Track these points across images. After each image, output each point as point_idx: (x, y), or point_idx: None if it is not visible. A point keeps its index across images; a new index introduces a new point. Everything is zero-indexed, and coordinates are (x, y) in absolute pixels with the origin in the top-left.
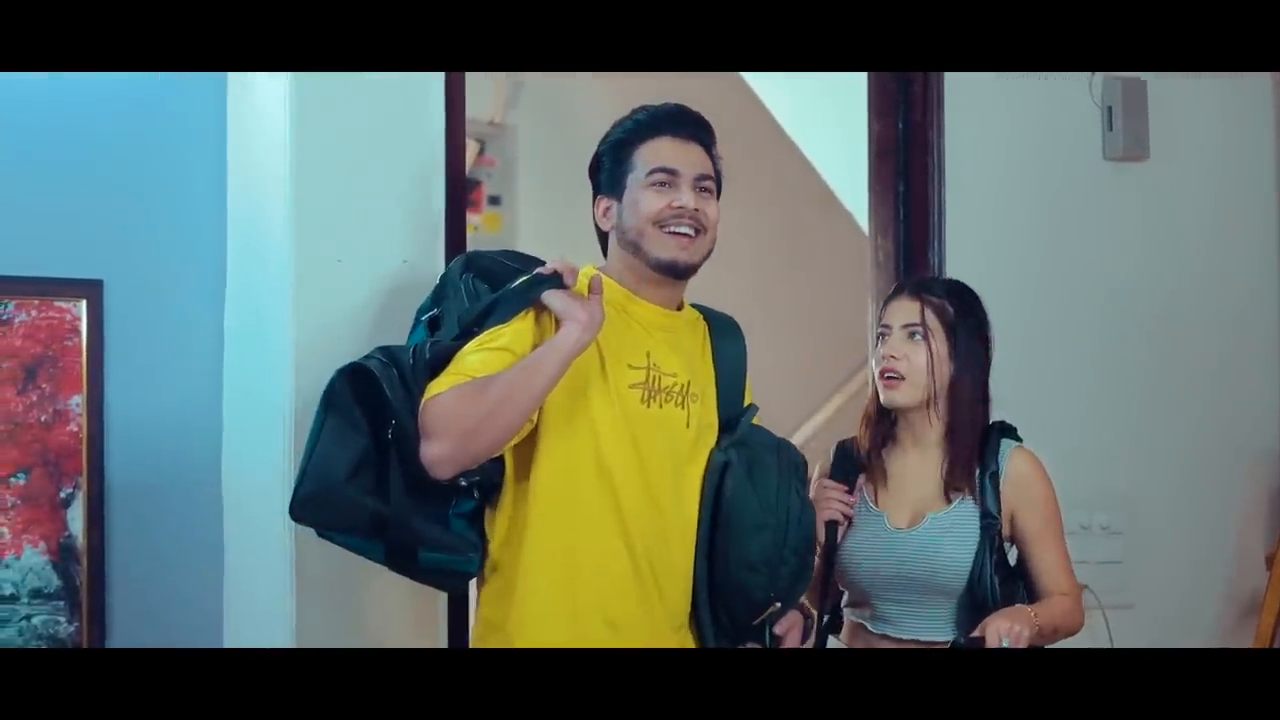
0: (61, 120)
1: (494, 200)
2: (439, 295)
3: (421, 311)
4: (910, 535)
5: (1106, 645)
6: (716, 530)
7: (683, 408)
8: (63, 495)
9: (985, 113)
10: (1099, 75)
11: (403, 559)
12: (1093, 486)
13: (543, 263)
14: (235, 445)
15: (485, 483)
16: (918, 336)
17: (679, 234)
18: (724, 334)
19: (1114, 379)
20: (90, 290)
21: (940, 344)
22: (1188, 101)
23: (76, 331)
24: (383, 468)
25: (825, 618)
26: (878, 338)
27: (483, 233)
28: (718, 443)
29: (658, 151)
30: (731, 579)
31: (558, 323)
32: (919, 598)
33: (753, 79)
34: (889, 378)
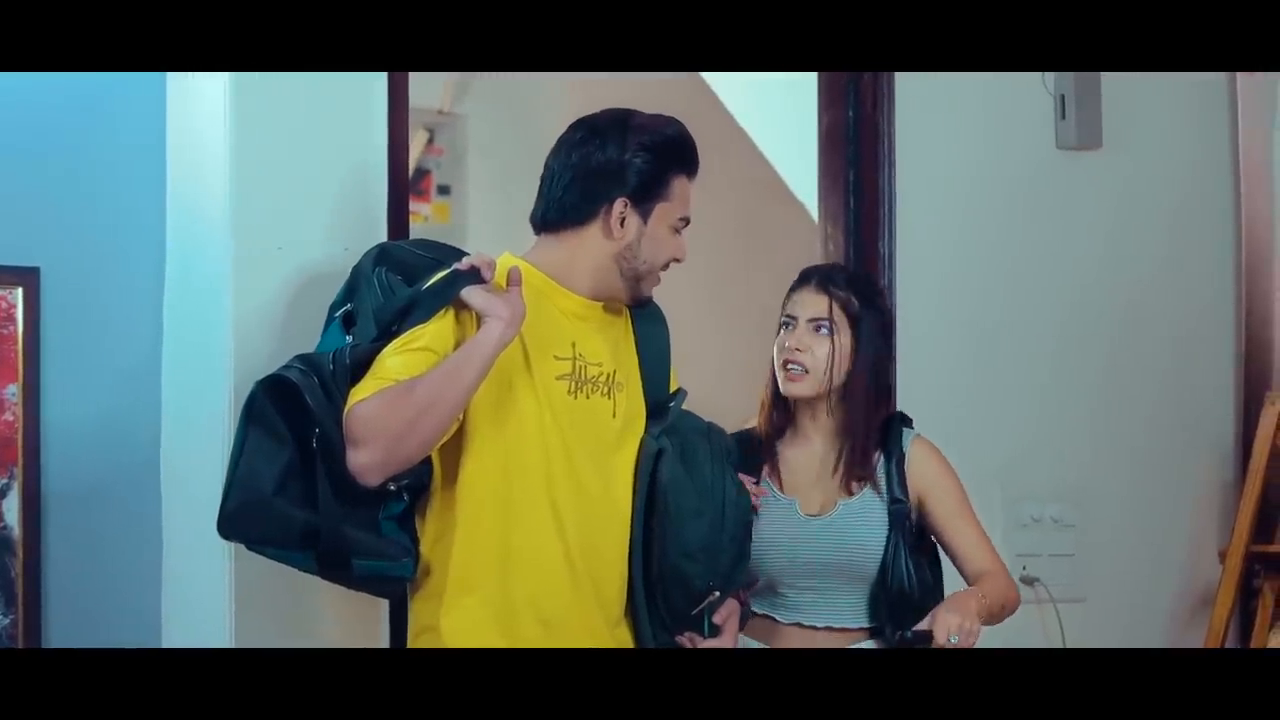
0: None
1: (443, 190)
2: (351, 289)
3: (334, 307)
4: (824, 521)
5: (1058, 639)
6: (652, 519)
7: (609, 397)
8: None
9: (936, 101)
10: None
11: (336, 568)
12: (1045, 479)
13: (459, 252)
14: (174, 434)
15: (414, 485)
16: (823, 331)
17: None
18: (646, 318)
19: (1067, 370)
20: (26, 277)
21: (844, 338)
22: (1142, 91)
23: (12, 319)
24: (310, 478)
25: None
26: (781, 326)
27: (432, 222)
28: (647, 430)
29: (686, 193)
30: (670, 569)
31: (478, 319)
32: (833, 584)
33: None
34: (791, 370)
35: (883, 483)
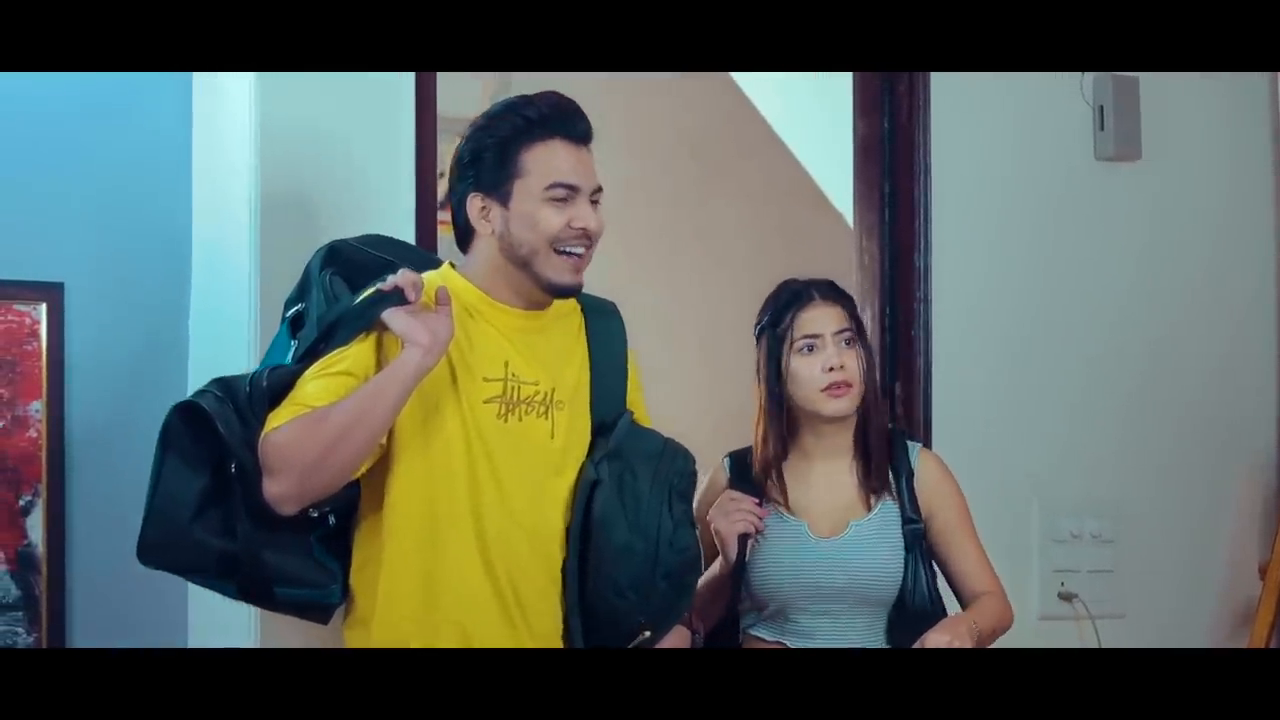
0: (21, 119)
1: None
2: (303, 289)
3: (288, 304)
4: (836, 543)
5: None
6: (588, 550)
7: (546, 418)
8: (22, 503)
9: (973, 111)
10: (1090, 73)
11: (258, 596)
12: (1083, 493)
13: (413, 251)
14: None
15: (339, 509)
16: (847, 343)
17: (573, 254)
18: (600, 325)
19: (1105, 383)
20: (51, 293)
21: (863, 346)
22: (1181, 100)
23: (36, 335)
24: (227, 505)
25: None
26: (793, 349)
27: None
28: (590, 453)
29: (553, 159)
30: (601, 604)
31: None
32: (846, 609)
33: (742, 79)
34: (838, 388)
35: (895, 499)
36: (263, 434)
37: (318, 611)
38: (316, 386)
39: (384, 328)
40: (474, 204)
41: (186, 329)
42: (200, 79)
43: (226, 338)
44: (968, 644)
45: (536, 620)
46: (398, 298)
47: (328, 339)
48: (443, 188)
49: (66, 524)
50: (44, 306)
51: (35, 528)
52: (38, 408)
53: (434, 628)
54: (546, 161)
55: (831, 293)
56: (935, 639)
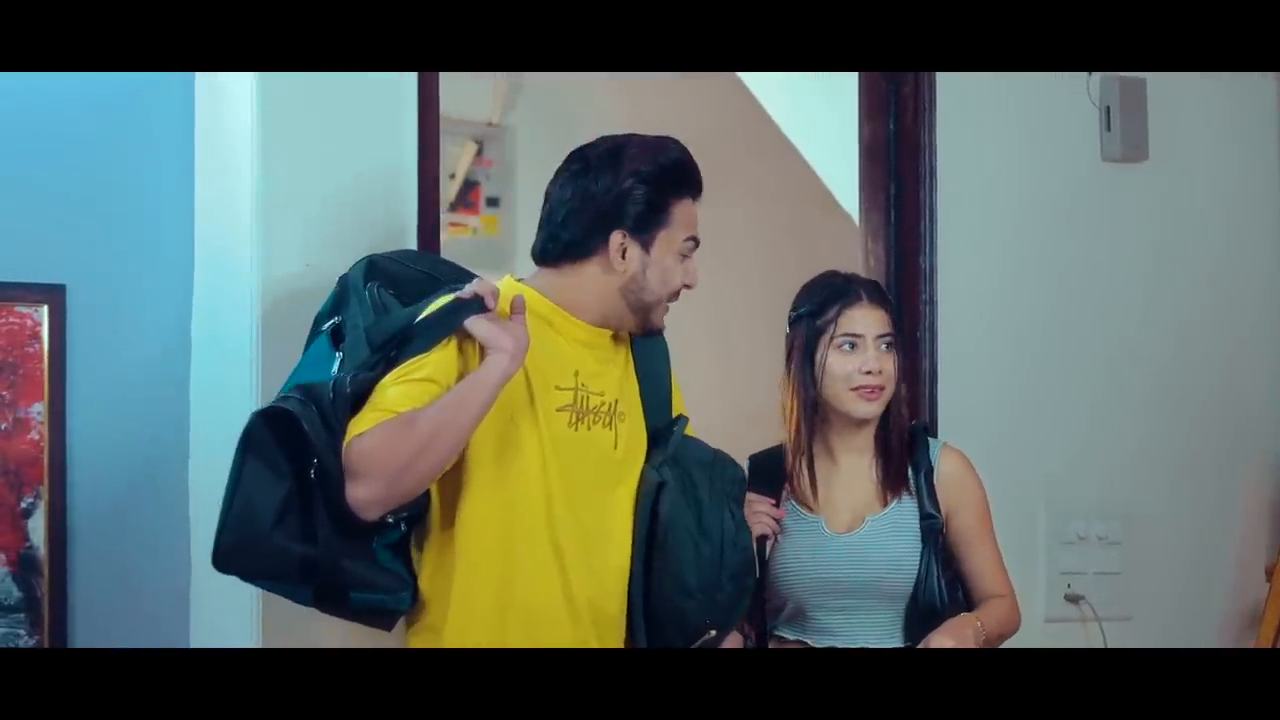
0: (22, 120)
1: (492, 202)
2: (340, 302)
3: (321, 318)
4: (852, 538)
5: None
6: (653, 554)
7: (610, 428)
8: (23, 505)
9: (979, 113)
10: (1096, 74)
11: (333, 602)
12: (1090, 495)
13: (451, 265)
14: (202, 453)
15: (412, 515)
16: (890, 347)
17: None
18: (645, 343)
19: (1112, 386)
20: (52, 295)
21: (897, 352)
22: (1188, 101)
23: (38, 338)
24: (307, 511)
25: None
26: (832, 345)
27: (481, 235)
28: (649, 459)
29: (689, 214)
30: (667, 605)
31: (481, 350)
32: (864, 603)
33: (750, 81)
34: (872, 391)
35: (914, 496)
36: (347, 439)
37: (387, 617)
38: (398, 392)
39: (464, 336)
40: (617, 239)
41: (189, 331)
42: (202, 79)
43: (229, 339)
44: (971, 645)
45: (606, 626)
46: (477, 305)
47: (402, 345)
48: (450, 190)
49: (68, 526)
50: (45, 309)
51: (37, 530)
52: (39, 410)
53: (504, 636)
54: (686, 218)
55: (878, 295)
56: (939, 640)
